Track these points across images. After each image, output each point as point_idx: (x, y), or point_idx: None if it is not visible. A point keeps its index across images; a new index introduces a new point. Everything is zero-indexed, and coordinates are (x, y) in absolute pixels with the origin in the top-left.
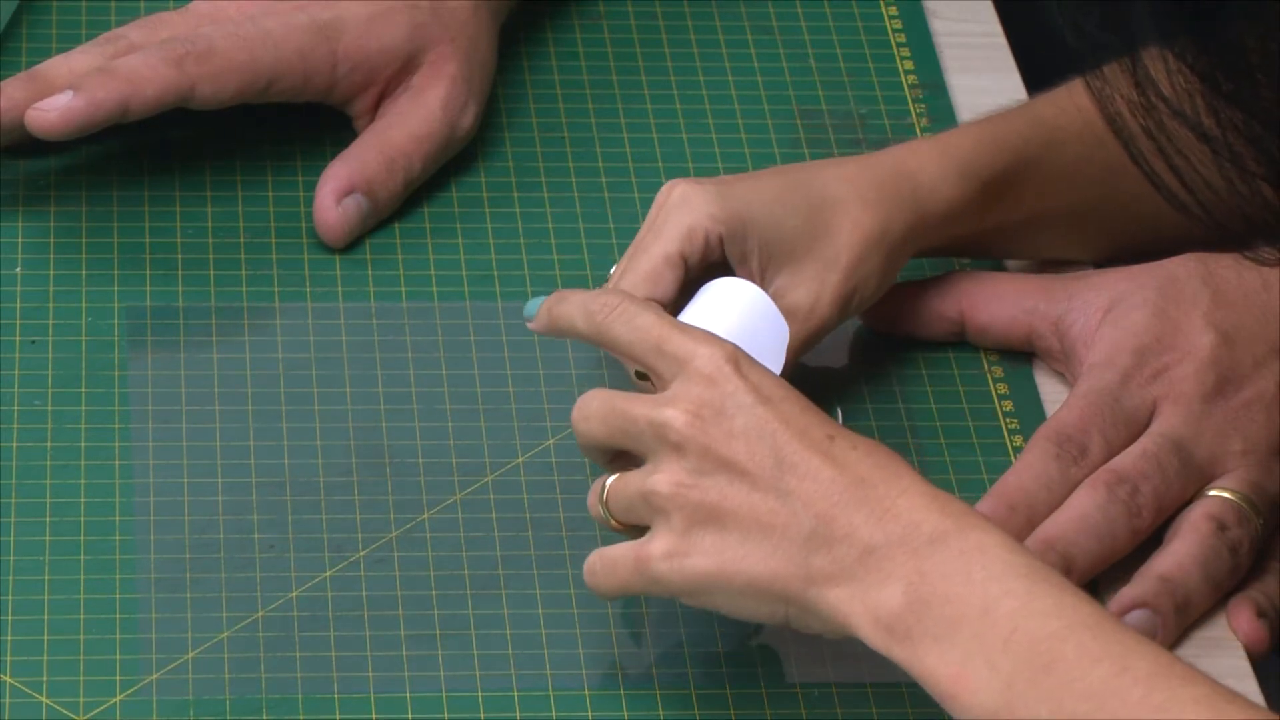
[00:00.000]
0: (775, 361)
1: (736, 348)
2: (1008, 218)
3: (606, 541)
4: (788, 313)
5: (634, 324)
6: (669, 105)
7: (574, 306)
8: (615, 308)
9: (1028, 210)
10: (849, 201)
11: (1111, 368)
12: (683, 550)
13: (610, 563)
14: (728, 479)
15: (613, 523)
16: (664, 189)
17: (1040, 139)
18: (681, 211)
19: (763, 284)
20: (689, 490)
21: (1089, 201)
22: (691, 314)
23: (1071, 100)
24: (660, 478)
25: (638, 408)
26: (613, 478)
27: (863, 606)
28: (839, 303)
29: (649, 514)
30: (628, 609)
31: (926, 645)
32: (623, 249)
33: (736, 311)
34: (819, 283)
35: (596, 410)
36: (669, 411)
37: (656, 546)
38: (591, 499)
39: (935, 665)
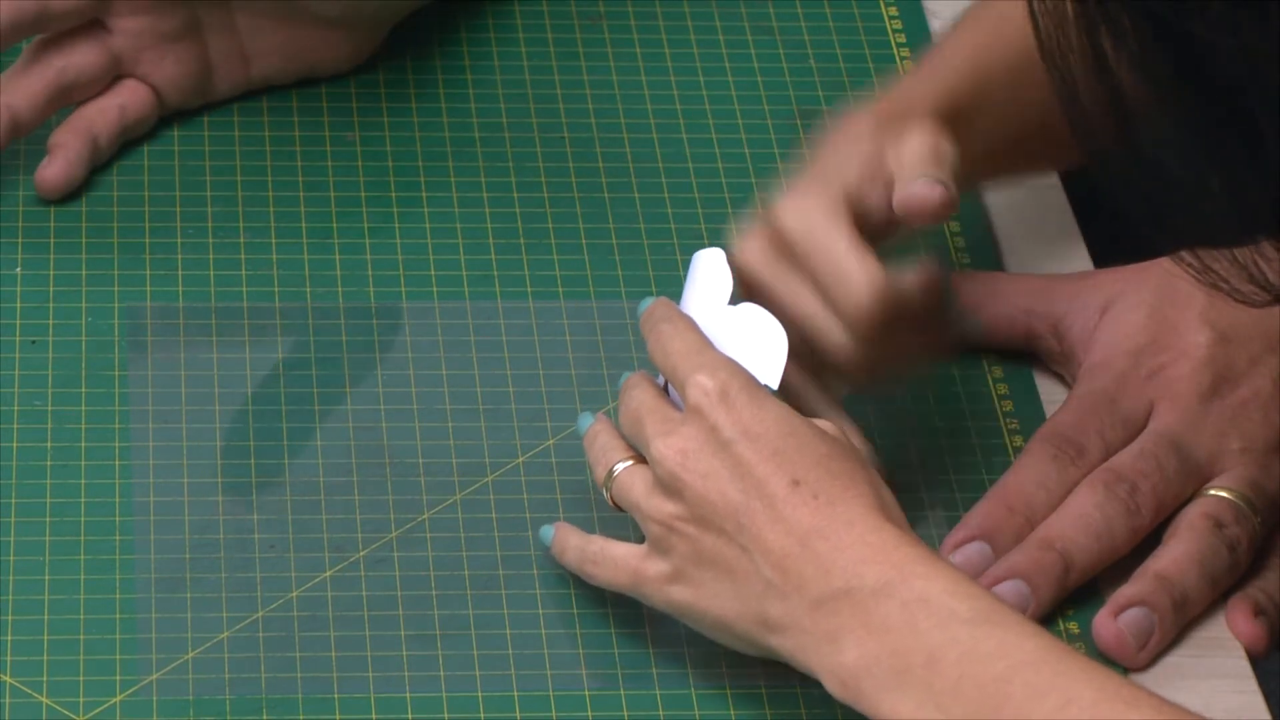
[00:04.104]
0: (724, 289)
1: (730, 375)
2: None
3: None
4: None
5: (660, 345)
6: (669, 105)
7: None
8: (647, 320)
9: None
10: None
11: (1108, 369)
12: (668, 578)
13: (611, 563)
14: (703, 522)
15: (609, 505)
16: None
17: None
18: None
19: None
20: (674, 524)
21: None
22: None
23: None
24: (656, 507)
25: (649, 428)
26: (621, 467)
27: (818, 659)
28: None
29: (643, 527)
30: (628, 609)
31: (880, 697)
32: (623, 249)
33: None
34: None
35: (627, 409)
36: (660, 446)
37: (650, 569)
38: (597, 473)
39: (890, 715)
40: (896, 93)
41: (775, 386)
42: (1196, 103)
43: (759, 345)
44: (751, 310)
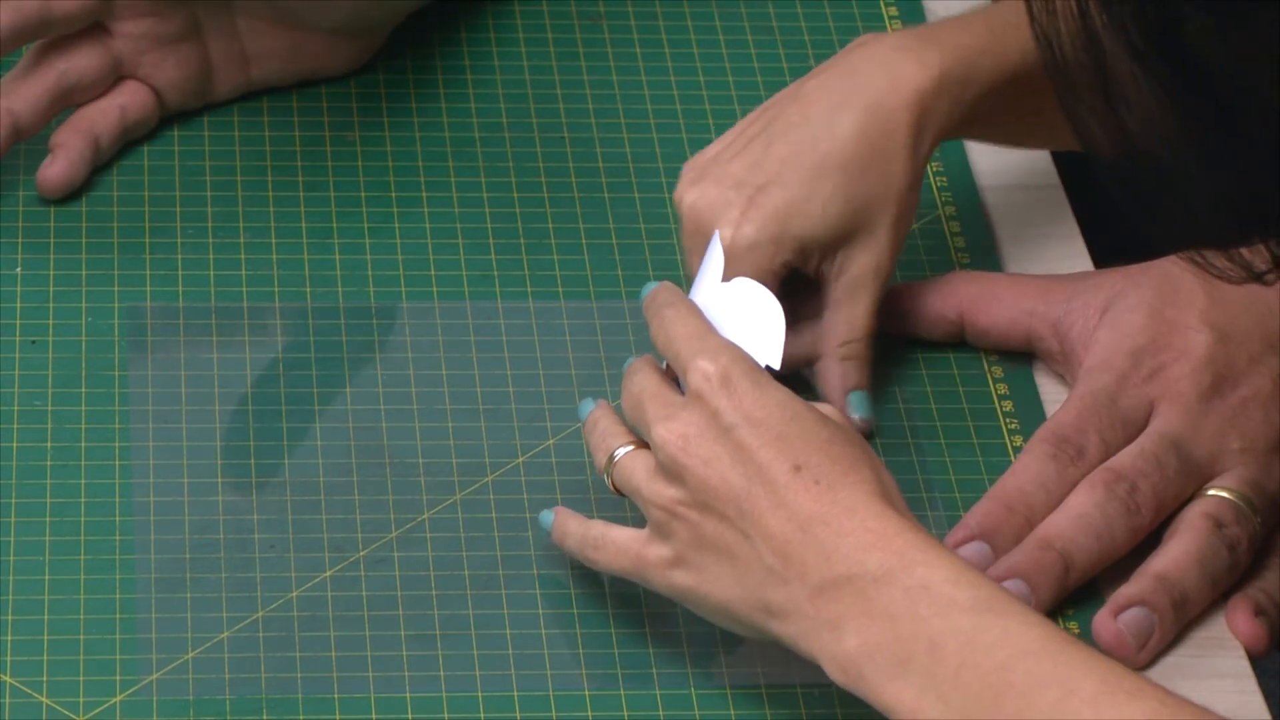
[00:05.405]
0: (716, 275)
1: (731, 360)
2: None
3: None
4: (857, 282)
5: (663, 330)
6: (669, 105)
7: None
8: (650, 305)
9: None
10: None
11: (1108, 370)
12: (671, 563)
13: (612, 547)
14: (704, 507)
15: (610, 490)
16: (696, 218)
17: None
18: (750, 264)
19: (823, 267)
20: (676, 510)
21: None
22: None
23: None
24: (657, 492)
25: (651, 413)
26: (623, 451)
27: (819, 645)
28: (898, 246)
29: (644, 512)
30: (628, 609)
31: (881, 684)
32: (623, 249)
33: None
34: (877, 244)
35: (629, 393)
36: (661, 431)
37: (652, 553)
38: (598, 458)
39: (891, 702)
40: (952, 52)
41: (777, 366)
42: (1179, 85)
43: (758, 324)
44: (748, 286)
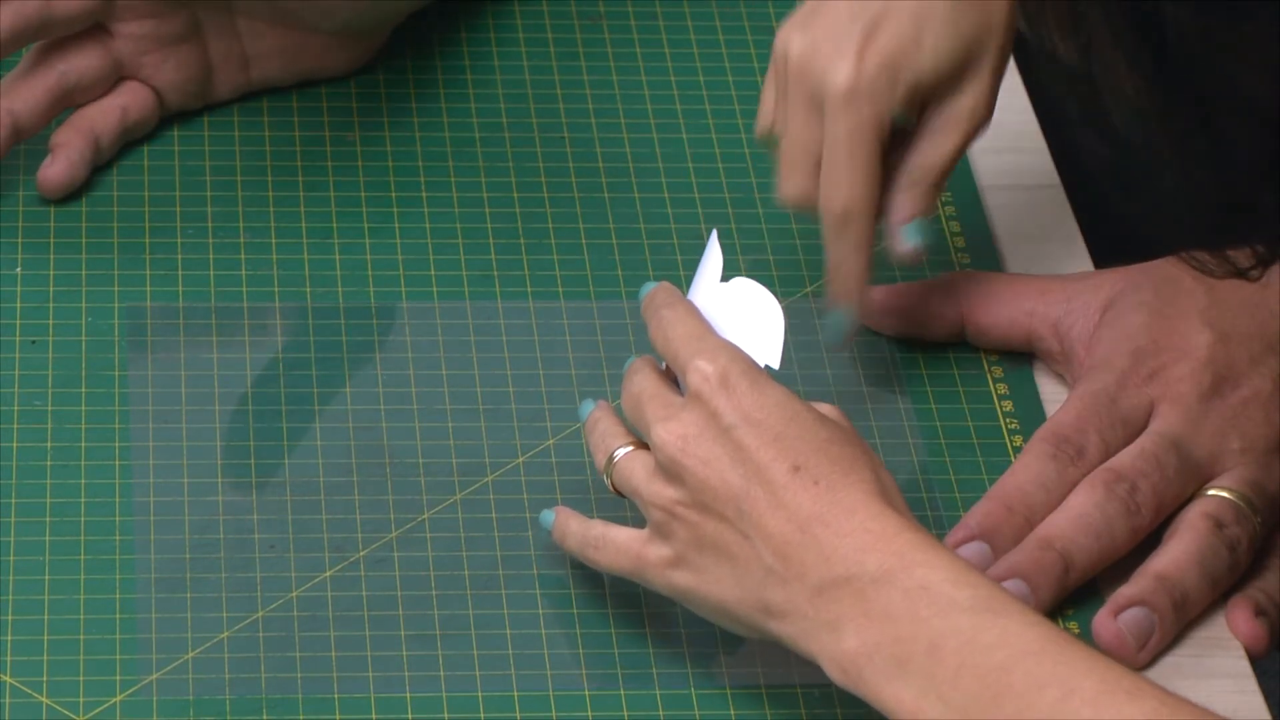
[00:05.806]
0: (714, 273)
1: (730, 360)
2: None
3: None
4: (953, 119)
5: (661, 331)
6: (669, 105)
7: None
8: (648, 306)
9: None
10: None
11: (1108, 369)
12: (670, 563)
13: (612, 548)
14: (704, 508)
15: (610, 490)
16: (807, 61)
17: None
18: (863, 112)
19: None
20: (675, 510)
21: None
22: (701, 284)
23: None
24: (657, 492)
25: (650, 413)
26: (622, 452)
27: (819, 646)
28: (996, 89)
29: (644, 512)
30: (628, 609)
31: (880, 684)
32: (623, 249)
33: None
34: (979, 83)
35: (628, 394)
36: (660, 431)
37: (652, 554)
38: (598, 459)
39: (891, 702)
40: None
41: (776, 366)
42: (1160, 78)
43: (758, 324)
44: (747, 286)
